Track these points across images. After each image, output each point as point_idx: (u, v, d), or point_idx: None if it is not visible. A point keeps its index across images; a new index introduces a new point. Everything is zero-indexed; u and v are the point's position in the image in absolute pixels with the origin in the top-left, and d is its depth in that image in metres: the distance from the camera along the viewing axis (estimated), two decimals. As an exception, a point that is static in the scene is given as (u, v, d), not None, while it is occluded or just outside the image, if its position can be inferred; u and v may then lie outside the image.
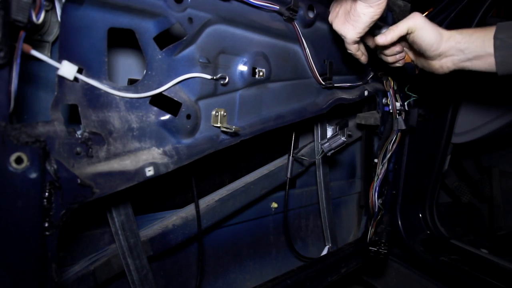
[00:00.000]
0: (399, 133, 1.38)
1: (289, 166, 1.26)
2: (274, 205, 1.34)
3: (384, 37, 0.96)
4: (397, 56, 1.06)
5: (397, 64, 1.09)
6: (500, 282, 1.37)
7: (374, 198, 1.39)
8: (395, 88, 1.36)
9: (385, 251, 1.41)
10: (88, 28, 0.62)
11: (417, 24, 0.95)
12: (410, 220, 1.70)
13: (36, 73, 0.72)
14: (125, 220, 0.86)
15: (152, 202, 1.01)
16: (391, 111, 1.36)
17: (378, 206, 1.40)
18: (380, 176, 1.38)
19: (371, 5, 0.85)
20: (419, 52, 1.01)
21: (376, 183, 1.38)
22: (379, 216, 1.45)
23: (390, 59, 1.07)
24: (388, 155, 1.38)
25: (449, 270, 1.49)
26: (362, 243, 1.47)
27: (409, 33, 0.96)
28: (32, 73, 0.72)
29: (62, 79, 0.59)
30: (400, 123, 1.34)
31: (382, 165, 1.39)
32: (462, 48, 0.94)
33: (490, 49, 0.90)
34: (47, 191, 0.55)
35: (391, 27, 0.97)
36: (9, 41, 0.48)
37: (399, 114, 1.37)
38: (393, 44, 1.00)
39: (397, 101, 1.36)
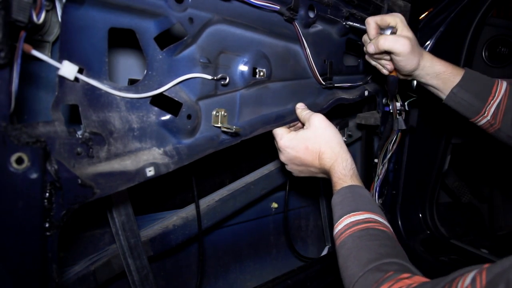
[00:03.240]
0: (399, 133, 1.38)
1: (290, 166, 1.26)
2: (274, 205, 1.34)
3: (371, 48, 1.01)
4: (382, 62, 1.07)
5: (383, 70, 1.09)
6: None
7: (375, 198, 1.39)
8: None
9: None
10: (88, 28, 0.62)
11: (400, 51, 0.97)
12: (410, 220, 1.70)
13: (36, 73, 0.72)
14: (125, 220, 0.86)
15: (153, 202, 1.01)
16: (391, 111, 1.36)
17: (379, 204, 1.40)
18: (380, 176, 1.38)
19: None
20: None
21: (376, 183, 1.38)
22: None
23: (373, 62, 1.09)
24: (389, 155, 1.38)
25: (449, 270, 1.49)
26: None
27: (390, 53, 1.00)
28: (32, 73, 0.72)
29: (62, 79, 0.59)
30: (400, 123, 1.34)
31: (383, 165, 1.39)
32: (435, 72, 1.03)
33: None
34: (48, 191, 0.55)
35: (378, 39, 0.98)
36: (9, 41, 0.48)
37: (399, 114, 1.37)
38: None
39: (397, 101, 1.36)
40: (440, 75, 1.03)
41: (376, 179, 1.39)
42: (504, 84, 1.02)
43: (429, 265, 1.54)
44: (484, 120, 1.03)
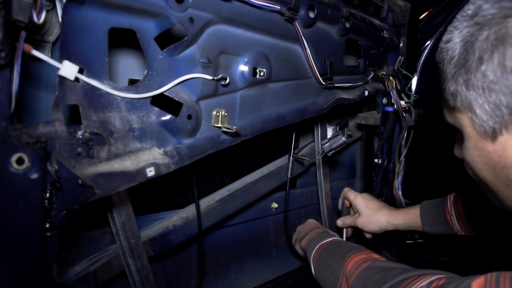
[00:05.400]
0: (411, 130, 1.42)
1: (290, 166, 1.26)
2: (275, 205, 1.34)
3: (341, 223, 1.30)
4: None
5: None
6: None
7: (399, 194, 1.44)
8: (399, 87, 1.37)
9: (421, 240, 1.43)
10: (89, 28, 0.62)
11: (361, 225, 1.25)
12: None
13: (36, 73, 0.72)
14: (125, 220, 0.86)
15: (153, 203, 1.01)
16: (396, 109, 1.37)
17: (405, 201, 1.44)
18: (400, 174, 1.44)
19: None
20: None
21: (397, 181, 1.43)
22: None
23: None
24: (404, 152, 1.42)
25: (449, 271, 1.49)
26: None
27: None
28: (33, 74, 0.72)
29: (63, 79, 0.59)
30: (408, 119, 1.37)
31: (400, 163, 1.43)
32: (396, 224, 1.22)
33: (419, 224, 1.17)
34: (48, 191, 0.55)
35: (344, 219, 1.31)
36: (10, 41, 0.48)
37: (406, 112, 1.39)
38: None
39: (401, 100, 1.37)
40: (406, 223, 1.19)
41: (396, 177, 1.44)
42: (451, 199, 1.13)
43: (429, 265, 1.54)
44: (463, 233, 1.11)
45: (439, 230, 1.14)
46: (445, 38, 0.57)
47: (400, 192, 1.43)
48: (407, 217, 1.19)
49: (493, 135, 0.51)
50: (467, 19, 0.52)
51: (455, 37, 0.53)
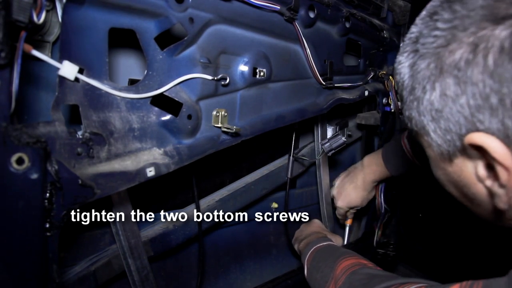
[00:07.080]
0: None
1: (290, 166, 1.26)
2: (275, 205, 1.34)
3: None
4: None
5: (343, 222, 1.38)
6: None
7: (381, 200, 1.39)
8: (397, 88, 1.37)
9: (394, 253, 1.41)
10: (89, 28, 0.62)
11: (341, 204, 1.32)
12: (410, 219, 1.70)
13: (36, 73, 0.72)
14: (125, 220, 0.86)
15: (153, 203, 1.01)
16: (393, 110, 1.37)
17: (384, 207, 1.40)
18: None
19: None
20: None
21: (381, 185, 1.37)
22: (385, 218, 1.44)
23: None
24: None
25: (449, 270, 1.49)
26: (362, 243, 1.47)
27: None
28: (32, 74, 0.72)
29: (63, 79, 0.59)
30: (403, 122, 1.36)
31: None
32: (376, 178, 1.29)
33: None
34: (48, 191, 0.55)
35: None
36: (10, 41, 0.48)
37: (401, 114, 1.38)
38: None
39: (399, 101, 1.37)
40: (376, 179, 1.27)
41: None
42: (404, 140, 1.18)
43: (429, 265, 1.54)
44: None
45: (407, 170, 1.21)
46: (397, 58, 0.58)
47: (382, 197, 1.40)
48: (377, 174, 1.26)
49: (449, 158, 0.54)
50: (411, 44, 0.54)
51: (404, 60, 0.55)
